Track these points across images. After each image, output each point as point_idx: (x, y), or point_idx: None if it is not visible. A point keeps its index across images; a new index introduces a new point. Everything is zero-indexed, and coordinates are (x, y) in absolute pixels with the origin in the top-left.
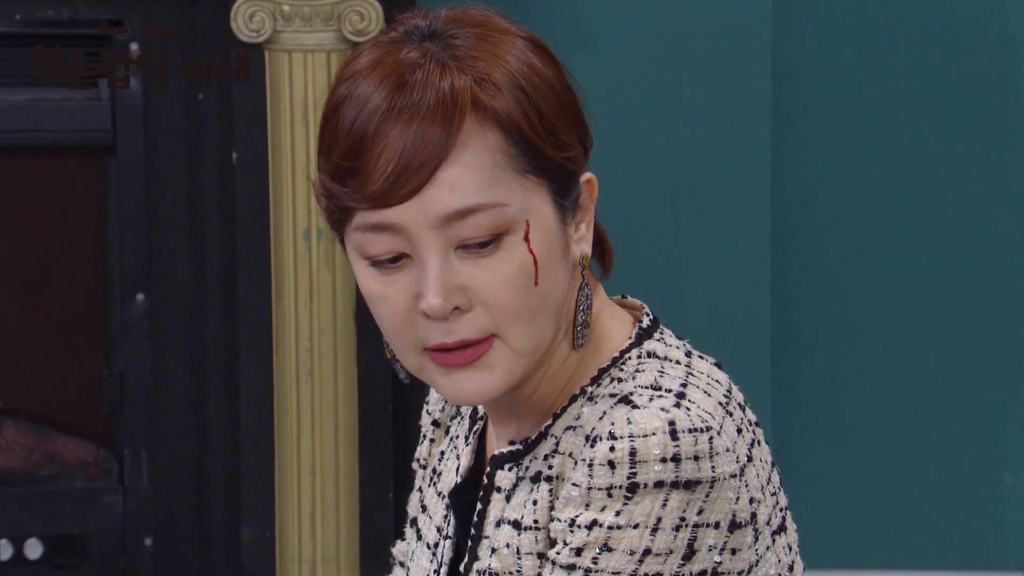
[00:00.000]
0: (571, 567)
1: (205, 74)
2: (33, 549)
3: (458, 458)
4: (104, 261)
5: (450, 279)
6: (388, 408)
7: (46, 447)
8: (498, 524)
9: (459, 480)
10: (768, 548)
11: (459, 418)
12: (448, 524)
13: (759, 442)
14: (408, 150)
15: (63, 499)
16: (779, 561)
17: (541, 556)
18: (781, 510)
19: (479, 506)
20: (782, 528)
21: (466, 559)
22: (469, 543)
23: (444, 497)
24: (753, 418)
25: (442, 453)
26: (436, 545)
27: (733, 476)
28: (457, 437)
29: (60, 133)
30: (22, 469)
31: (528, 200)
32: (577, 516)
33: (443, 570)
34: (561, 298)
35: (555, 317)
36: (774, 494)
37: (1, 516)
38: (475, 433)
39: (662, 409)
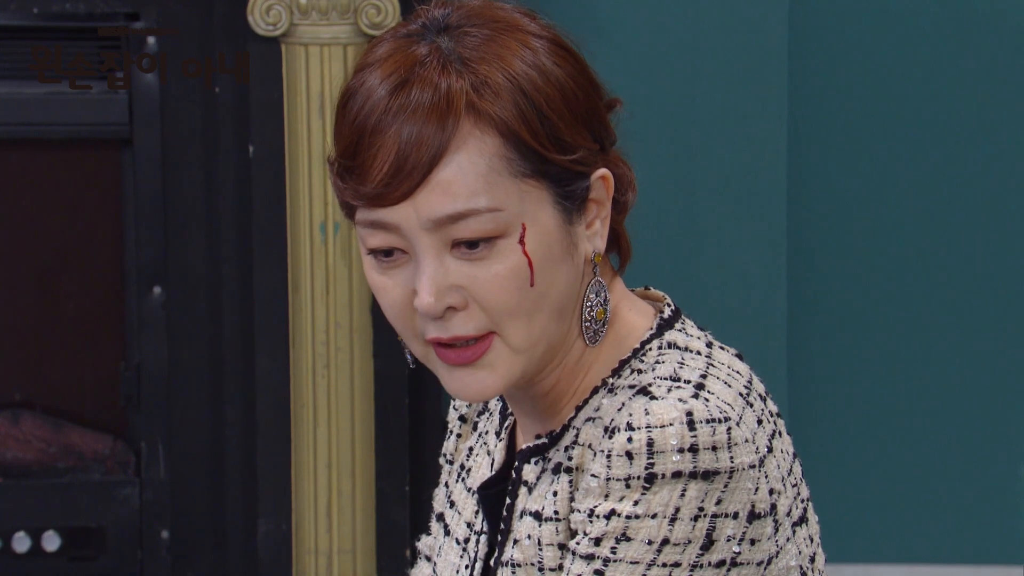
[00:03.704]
0: (590, 557)
1: (205, 74)
2: (50, 541)
3: (489, 454)
4: (120, 254)
5: (444, 279)
6: (404, 401)
7: (63, 440)
8: (520, 516)
9: (492, 475)
10: (788, 539)
11: (487, 413)
12: (479, 519)
13: (780, 433)
14: (402, 151)
15: (80, 492)
16: (800, 552)
17: (562, 547)
18: (803, 501)
19: (507, 501)
20: (803, 519)
21: (496, 554)
22: (499, 538)
23: (474, 493)
24: (774, 409)
25: (470, 449)
26: (467, 541)
27: (752, 467)
28: (486, 433)
29: (77, 126)
30: (39, 462)
31: (525, 204)
32: (596, 506)
33: (477, 565)
34: (565, 296)
35: (558, 315)
36: (795, 485)
37: (18, 508)
38: (507, 429)
39: (680, 400)
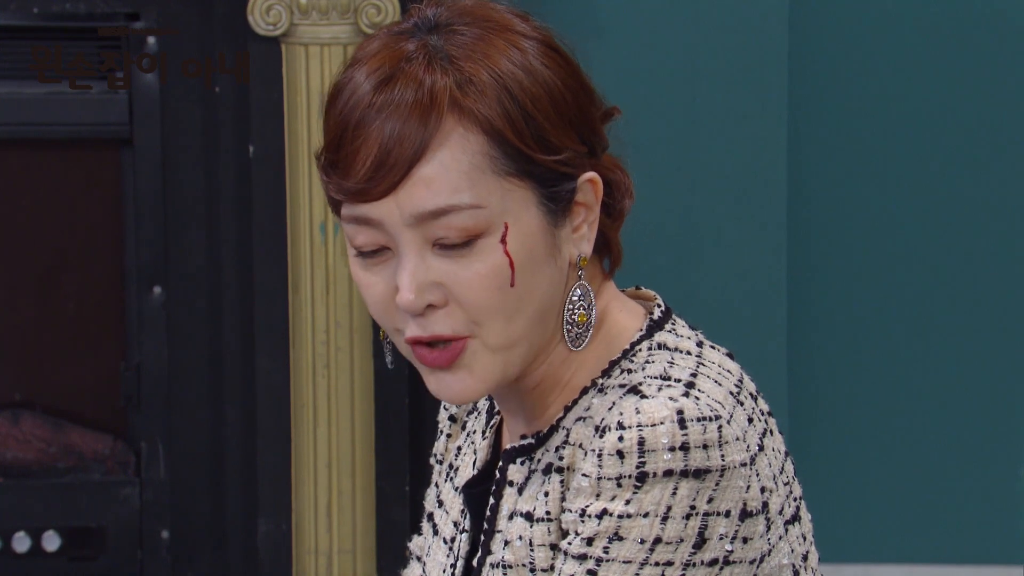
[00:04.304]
0: (583, 557)
1: (205, 74)
2: (50, 541)
3: (475, 452)
4: (121, 254)
5: (424, 276)
6: (404, 401)
7: (63, 440)
8: (511, 517)
9: (475, 473)
10: (781, 537)
11: (476, 413)
12: (465, 518)
13: (771, 431)
14: (384, 146)
15: (80, 492)
16: (792, 551)
17: (554, 547)
18: (795, 500)
19: (491, 500)
20: (796, 518)
21: (479, 552)
22: (482, 537)
23: (460, 492)
24: (765, 408)
25: (459, 448)
26: (453, 540)
27: (743, 465)
28: (474, 432)
29: (77, 126)
30: (39, 462)
31: (508, 203)
32: (587, 506)
33: (459, 564)
34: (546, 298)
35: (538, 317)
36: (787, 483)
37: (18, 508)
38: (492, 427)
39: (670, 398)
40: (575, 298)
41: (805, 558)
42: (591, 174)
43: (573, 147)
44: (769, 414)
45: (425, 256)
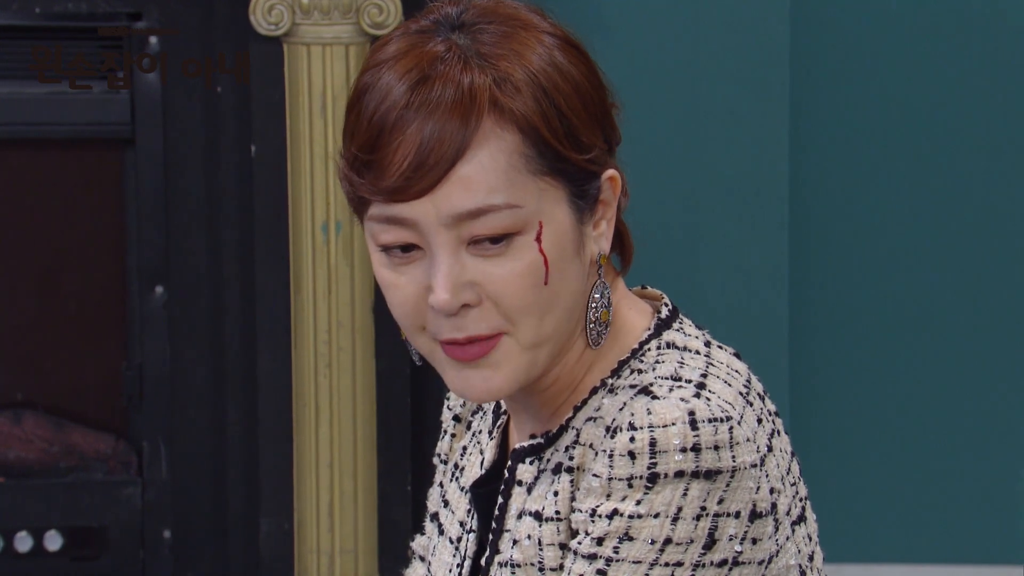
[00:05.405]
0: (592, 556)
1: (205, 74)
2: (52, 541)
3: (481, 452)
4: (122, 254)
5: (460, 276)
6: (406, 401)
7: (65, 439)
8: (520, 516)
9: (482, 473)
10: (788, 538)
11: (481, 413)
12: (471, 518)
13: (779, 432)
14: (424, 147)
15: (82, 491)
16: (799, 551)
17: (563, 547)
18: (801, 500)
19: (500, 500)
20: (802, 518)
21: (487, 552)
22: (490, 536)
23: (467, 492)
24: (772, 408)
25: (464, 448)
26: (459, 540)
27: (753, 466)
28: (480, 432)
29: (79, 126)
30: (41, 461)
31: (542, 201)
32: (598, 506)
33: (466, 564)
34: (574, 296)
35: (567, 315)
36: (794, 484)
37: (20, 508)
38: (499, 427)
39: (682, 399)
40: (597, 296)
41: (811, 558)
42: (612, 172)
43: (599, 144)
44: (776, 414)
45: (460, 256)
